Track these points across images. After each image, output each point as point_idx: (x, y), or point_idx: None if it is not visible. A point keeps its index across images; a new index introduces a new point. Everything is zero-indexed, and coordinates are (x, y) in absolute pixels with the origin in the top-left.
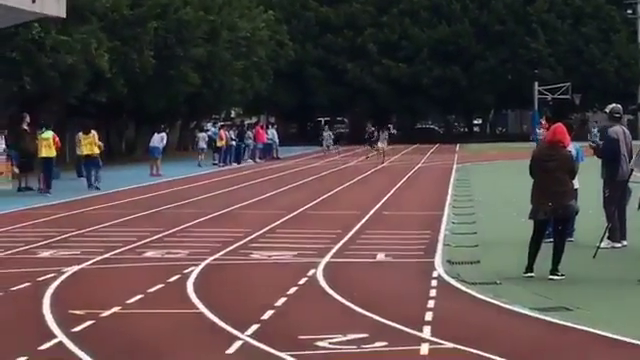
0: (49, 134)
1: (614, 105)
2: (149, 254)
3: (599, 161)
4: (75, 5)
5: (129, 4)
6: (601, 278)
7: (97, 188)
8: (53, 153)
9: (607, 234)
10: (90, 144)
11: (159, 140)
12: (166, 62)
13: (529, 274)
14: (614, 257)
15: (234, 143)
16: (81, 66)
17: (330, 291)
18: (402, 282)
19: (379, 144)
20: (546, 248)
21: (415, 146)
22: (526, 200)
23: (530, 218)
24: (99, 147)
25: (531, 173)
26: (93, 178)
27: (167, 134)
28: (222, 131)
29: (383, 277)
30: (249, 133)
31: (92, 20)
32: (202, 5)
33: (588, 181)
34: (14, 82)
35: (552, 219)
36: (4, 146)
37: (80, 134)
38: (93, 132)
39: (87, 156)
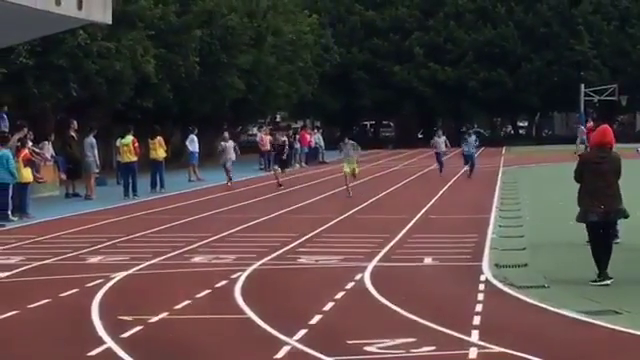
0: (129, 139)
1: None
2: (197, 259)
3: None
4: (125, 11)
5: (175, 11)
6: None
7: (135, 196)
8: (134, 158)
9: None
10: (129, 151)
11: (190, 141)
12: (211, 68)
13: (605, 282)
14: None
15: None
16: (127, 72)
17: (378, 295)
18: (449, 286)
19: (345, 166)
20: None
21: (461, 149)
22: (573, 203)
23: (579, 221)
24: (165, 151)
25: (577, 177)
26: (130, 187)
27: (196, 135)
28: (266, 136)
29: (430, 281)
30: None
31: (139, 27)
32: (247, 10)
33: (635, 182)
34: (60, 89)
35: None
36: (52, 152)
37: (149, 139)
38: (159, 137)
39: (125, 163)
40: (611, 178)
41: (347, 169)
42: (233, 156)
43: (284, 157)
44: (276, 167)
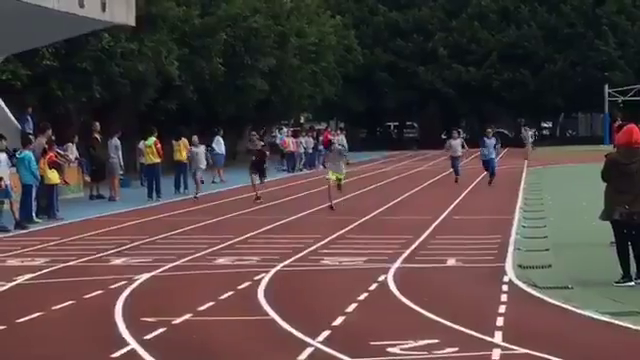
0: (152, 141)
1: None
2: (220, 261)
3: None
4: (149, 12)
5: (199, 13)
6: None
7: (159, 197)
8: (157, 159)
9: None
10: (152, 152)
11: (217, 143)
12: (235, 70)
13: (629, 283)
14: None
15: (302, 149)
16: (151, 73)
17: (401, 297)
18: (473, 287)
19: (329, 173)
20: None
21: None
22: (597, 204)
23: (602, 219)
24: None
25: (604, 177)
26: (154, 188)
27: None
28: (287, 138)
29: (454, 282)
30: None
31: (163, 28)
32: (271, 11)
33: None
34: (84, 92)
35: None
36: (76, 154)
37: (173, 141)
38: (183, 139)
39: (148, 164)
40: (638, 178)
41: (332, 176)
42: (204, 164)
43: (265, 165)
44: (253, 176)
